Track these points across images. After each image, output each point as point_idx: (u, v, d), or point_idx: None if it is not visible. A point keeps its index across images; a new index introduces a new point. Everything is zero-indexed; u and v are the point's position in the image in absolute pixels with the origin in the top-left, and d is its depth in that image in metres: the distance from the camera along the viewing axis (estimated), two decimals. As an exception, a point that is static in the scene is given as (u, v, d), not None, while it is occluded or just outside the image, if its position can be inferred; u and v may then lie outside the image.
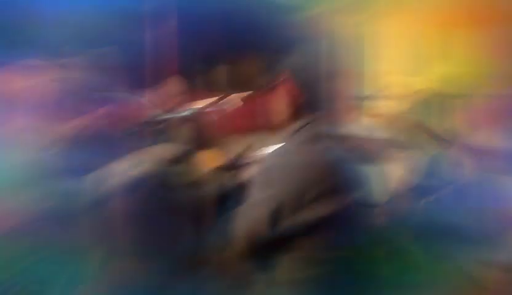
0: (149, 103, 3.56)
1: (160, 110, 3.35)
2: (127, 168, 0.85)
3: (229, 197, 1.87)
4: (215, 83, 2.26)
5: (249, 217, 1.32)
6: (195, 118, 3.49)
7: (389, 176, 1.35)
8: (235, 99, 2.45)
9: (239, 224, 1.37)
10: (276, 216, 1.25)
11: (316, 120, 1.35)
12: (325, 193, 1.25)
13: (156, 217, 0.84)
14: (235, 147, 2.50)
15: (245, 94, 2.67)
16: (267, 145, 2.36)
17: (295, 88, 1.37)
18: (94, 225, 1.28)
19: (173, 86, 3.52)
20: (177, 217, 0.86)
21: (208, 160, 2.71)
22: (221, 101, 2.23)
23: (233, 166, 2.07)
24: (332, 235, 1.27)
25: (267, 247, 1.36)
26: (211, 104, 2.34)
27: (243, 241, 1.34)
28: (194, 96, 3.45)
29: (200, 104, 2.57)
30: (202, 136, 3.55)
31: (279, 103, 1.45)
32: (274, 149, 1.44)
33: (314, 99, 1.38)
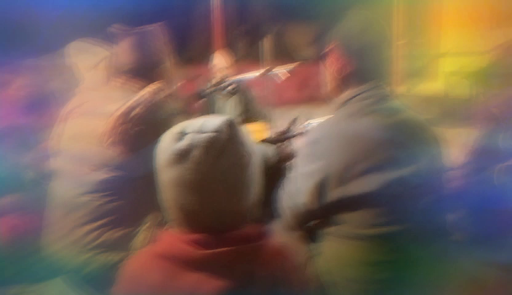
0: (197, 77, 3.61)
1: (208, 83, 3.40)
2: (173, 140, 0.86)
3: (276, 169, 1.87)
4: (262, 55, 2.23)
5: (295, 190, 1.30)
6: (242, 91, 3.51)
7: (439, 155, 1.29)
8: (282, 70, 2.43)
9: (285, 197, 1.35)
10: (321, 190, 1.22)
11: (364, 91, 1.29)
12: (372, 168, 1.19)
13: (203, 187, 0.85)
14: (282, 119, 2.49)
15: (292, 65, 2.63)
16: (314, 117, 2.33)
17: (343, 58, 1.32)
18: (145, 195, 1.32)
19: (221, 59, 3.53)
20: (224, 188, 0.87)
21: (255, 132, 2.73)
22: (268, 73, 2.22)
23: (280, 139, 2.06)
24: (376, 212, 1.20)
25: (312, 220, 1.34)
26: (258, 76, 2.33)
27: (289, 214, 1.33)
28: (242, 68, 3.45)
29: (247, 77, 2.57)
30: (250, 108, 3.57)
31: (327, 74, 1.40)
32: (321, 121, 1.40)
33: (363, 69, 1.30)
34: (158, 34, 1.65)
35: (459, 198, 1.50)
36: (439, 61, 7.68)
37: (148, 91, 1.52)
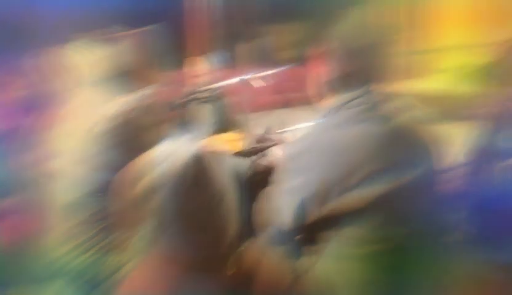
0: (176, 83, 3.53)
1: (188, 89, 3.31)
2: (135, 179, 0.80)
3: (253, 184, 1.77)
4: (239, 60, 2.16)
5: (279, 208, 1.21)
6: (218, 99, 3.42)
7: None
8: (259, 76, 2.36)
9: (268, 215, 1.27)
10: (307, 207, 1.12)
11: (357, 97, 1.17)
12: (364, 181, 1.08)
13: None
14: (258, 126, 2.38)
15: (270, 71, 2.55)
16: (290, 123, 2.23)
17: (334, 60, 1.21)
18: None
19: (197, 65, 3.46)
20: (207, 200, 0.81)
21: (230, 142, 2.63)
22: (245, 79, 2.15)
23: (254, 151, 1.94)
24: (374, 222, 1.11)
25: (298, 238, 1.24)
26: (235, 83, 2.26)
27: (273, 233, 1.25)
28: (223, 73, 3.36)
29: (224, 83, 2.49)
30: (225, 116, 3.49)
31: (313, 78, 1.30)
32: (309, 127, 1.29)
33: (356, 73, 1.19)
34: (154, 36, 1.69)
35: (458, 199, 1.47)
36: (439, 59, 7.72)
37: (143, 93, 1.56)
